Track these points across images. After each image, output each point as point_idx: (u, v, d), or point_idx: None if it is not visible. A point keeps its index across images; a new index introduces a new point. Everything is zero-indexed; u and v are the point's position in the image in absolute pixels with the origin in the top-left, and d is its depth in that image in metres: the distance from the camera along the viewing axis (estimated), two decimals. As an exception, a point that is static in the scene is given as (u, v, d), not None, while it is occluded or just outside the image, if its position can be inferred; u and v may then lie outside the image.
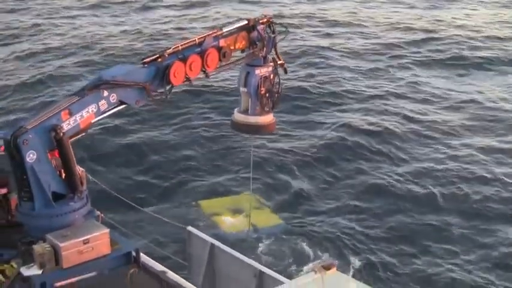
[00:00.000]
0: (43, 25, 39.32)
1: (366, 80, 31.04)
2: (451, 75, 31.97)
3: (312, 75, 31.15)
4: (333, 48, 35.72)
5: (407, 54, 34.91)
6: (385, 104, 27.74)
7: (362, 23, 40.17)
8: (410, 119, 26.34)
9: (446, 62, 33.62)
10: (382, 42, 37.01)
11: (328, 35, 38.56)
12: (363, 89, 29.65)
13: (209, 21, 40.32)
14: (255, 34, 13.04)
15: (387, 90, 29.59)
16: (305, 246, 17.73)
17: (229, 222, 18.38)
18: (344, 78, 30.82)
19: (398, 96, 29.05)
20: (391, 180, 21.38)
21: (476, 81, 31.01)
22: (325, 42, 36.99)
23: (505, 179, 21.72)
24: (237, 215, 18.73)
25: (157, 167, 22.55)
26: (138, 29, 39.85)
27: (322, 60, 33.60)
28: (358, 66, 32.96)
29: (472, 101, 28.28)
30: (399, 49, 35.54)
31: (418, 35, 37.93)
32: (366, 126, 25.44)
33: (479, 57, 34.10)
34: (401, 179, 21.62)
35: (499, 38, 37.36)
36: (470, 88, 29.95)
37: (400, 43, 36.60)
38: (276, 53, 13.55)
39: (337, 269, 7.34)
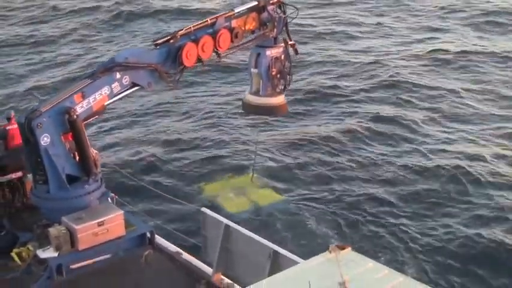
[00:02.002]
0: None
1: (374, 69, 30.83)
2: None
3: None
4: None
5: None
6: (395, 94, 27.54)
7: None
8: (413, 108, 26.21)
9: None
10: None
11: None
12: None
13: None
14: (265, 15, 12.97)
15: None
16: (313, 225, 17.81)
17: (232, 202, 18.55)
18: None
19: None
20: (396, 168, 21.23)
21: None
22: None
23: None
24: (239, 196, 18.88)
25: (168, 150, 22.58)
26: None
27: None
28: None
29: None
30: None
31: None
32: (374, 116, 25.26)
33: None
34: (409, 163, 21.51)
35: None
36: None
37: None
38: (288, 34, 13.48)
39: (352, 249, 7.35)
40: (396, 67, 29.84)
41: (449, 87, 27.40)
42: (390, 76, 28.65)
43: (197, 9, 39.57)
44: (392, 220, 18.30)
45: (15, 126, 11.62)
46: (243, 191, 19.15)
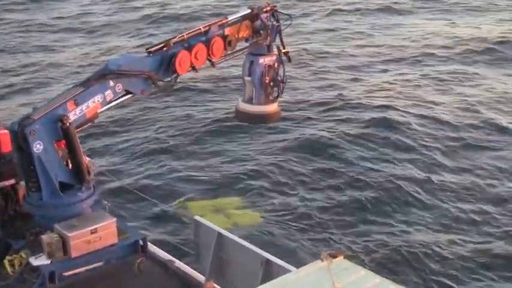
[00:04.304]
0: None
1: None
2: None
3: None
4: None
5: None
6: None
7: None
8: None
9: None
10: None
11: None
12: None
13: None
14: (258, 23, 13.01)
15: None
16: (304, 234, 17.90)
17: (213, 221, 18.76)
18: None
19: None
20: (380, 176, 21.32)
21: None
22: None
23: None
24: (219, 216, 19.06)
25: (159, 158, 22.59)
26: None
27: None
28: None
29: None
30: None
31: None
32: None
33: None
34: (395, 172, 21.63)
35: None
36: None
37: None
38: (281, 41, 13.52)
39: (344, 258, 7.37)
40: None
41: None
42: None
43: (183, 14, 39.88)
44: (385, 228, 18.35)
45: (3, 131, 11.59)
46: (224, 211, 19.33)
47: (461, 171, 21.54)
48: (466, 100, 27.26)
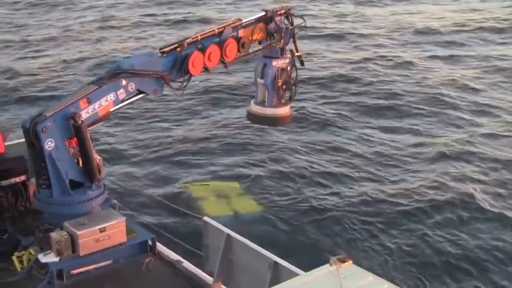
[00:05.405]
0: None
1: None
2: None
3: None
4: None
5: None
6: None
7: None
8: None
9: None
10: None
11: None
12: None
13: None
14: (272, 25, 13.00)
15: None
16: (312, 236, 17.85)
17: (212, 205, 18.80)
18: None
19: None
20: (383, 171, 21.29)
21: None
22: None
23: None
24: (221, 200, 19.04)
25: (169, 159, 22.64)
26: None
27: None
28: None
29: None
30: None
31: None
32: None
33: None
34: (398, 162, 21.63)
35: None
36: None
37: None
38: (295, 45, 13.51)
39: (353, 262, 7.34)
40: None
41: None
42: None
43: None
44: (394, 233, 18.23)
45: None
46: (225, 196, 19.23)
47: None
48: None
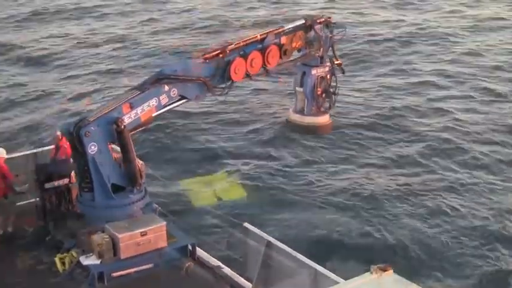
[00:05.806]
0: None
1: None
2: None
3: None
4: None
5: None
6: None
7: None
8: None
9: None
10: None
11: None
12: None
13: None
14: (311, 34, 12.96)
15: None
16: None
17: (198, 196, 19.22)
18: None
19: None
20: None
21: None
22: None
23: None
24: (207, 190, 19.48)
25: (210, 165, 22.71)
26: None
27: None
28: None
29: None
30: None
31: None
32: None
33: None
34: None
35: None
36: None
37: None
38: (334, 53, 13.46)
39: (394, 272, 7.24)
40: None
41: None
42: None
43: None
44: (435, 238, 17.79)
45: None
46: (212, 185, 19.75)
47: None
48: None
